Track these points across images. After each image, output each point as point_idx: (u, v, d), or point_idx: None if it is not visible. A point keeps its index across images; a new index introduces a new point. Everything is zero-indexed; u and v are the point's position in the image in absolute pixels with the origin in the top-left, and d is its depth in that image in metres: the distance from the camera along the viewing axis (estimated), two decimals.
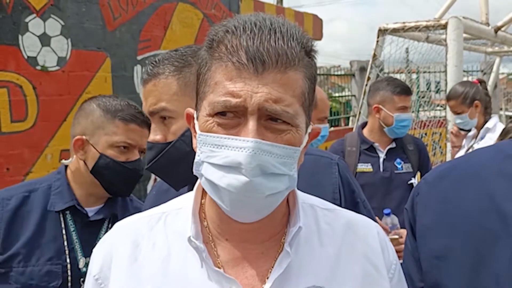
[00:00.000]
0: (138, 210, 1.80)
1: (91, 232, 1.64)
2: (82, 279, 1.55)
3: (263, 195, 0.79)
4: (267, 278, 0.85)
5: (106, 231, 1.60)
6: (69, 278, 1.56)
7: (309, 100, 0.85)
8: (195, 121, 0.87)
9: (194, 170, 0.85)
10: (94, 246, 1.58)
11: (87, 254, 1.57)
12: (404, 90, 2.88)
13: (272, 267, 0.86)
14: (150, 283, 0.87)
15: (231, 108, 0.78)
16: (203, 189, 0.94)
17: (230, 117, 0.79)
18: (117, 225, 0.99)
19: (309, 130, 0.88)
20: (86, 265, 1.56)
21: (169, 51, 1.31)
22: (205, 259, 0.86)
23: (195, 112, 0.89)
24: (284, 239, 0.89)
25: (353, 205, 1.43)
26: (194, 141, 0.88)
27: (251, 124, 0.78)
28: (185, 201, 0.95)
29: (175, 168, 1.26)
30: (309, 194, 1.02)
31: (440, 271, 0.95)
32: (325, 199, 1.02)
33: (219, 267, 0.87)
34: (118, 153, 1.62)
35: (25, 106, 3.82)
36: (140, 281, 0.88)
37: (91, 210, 1.66)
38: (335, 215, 0.97)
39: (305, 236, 0.91)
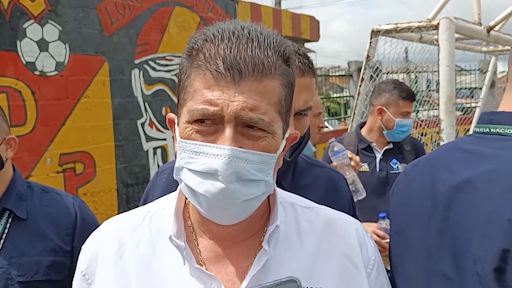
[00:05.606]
0: (57, 202, 1.76)
1: None
2: None
3: (239, 201, 0.82)
4: (246, 274, 0.89)
5: (5, 226, 1.63)
6: None
7: (286, 106, 0.88)
8: (176, 127, 0.90)
9: (174, 175, 0.89)
10: None
11: None
12: (410, 95, 2.87)
13: (251, 264, 0.90)
14: (135, 280, 0.91)
15: (209, 116, 0.81)
16: None
17: (208, 124, 0.82)
18: (105, 223, 1.03)
19: (286, 135, 0.90)
20: None
21: None
22: (186, 257, 0.89)
23: (176, 117, 0.92)
24: (264, 237, 0.92)
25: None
26: (175, 144, 0.92)
27: (228, 131, 0.80)
28: (170, 201, 0.98)
29: None
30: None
31: (400, 246, 1.10)
32: None
33: (200, 265, 0.90)
34: None
35: (24, 110, 3.86)
36: (126, 278, 0.91)
37: None
38: (315, 213, 1.00)
39: (285, 234, 0.94)
